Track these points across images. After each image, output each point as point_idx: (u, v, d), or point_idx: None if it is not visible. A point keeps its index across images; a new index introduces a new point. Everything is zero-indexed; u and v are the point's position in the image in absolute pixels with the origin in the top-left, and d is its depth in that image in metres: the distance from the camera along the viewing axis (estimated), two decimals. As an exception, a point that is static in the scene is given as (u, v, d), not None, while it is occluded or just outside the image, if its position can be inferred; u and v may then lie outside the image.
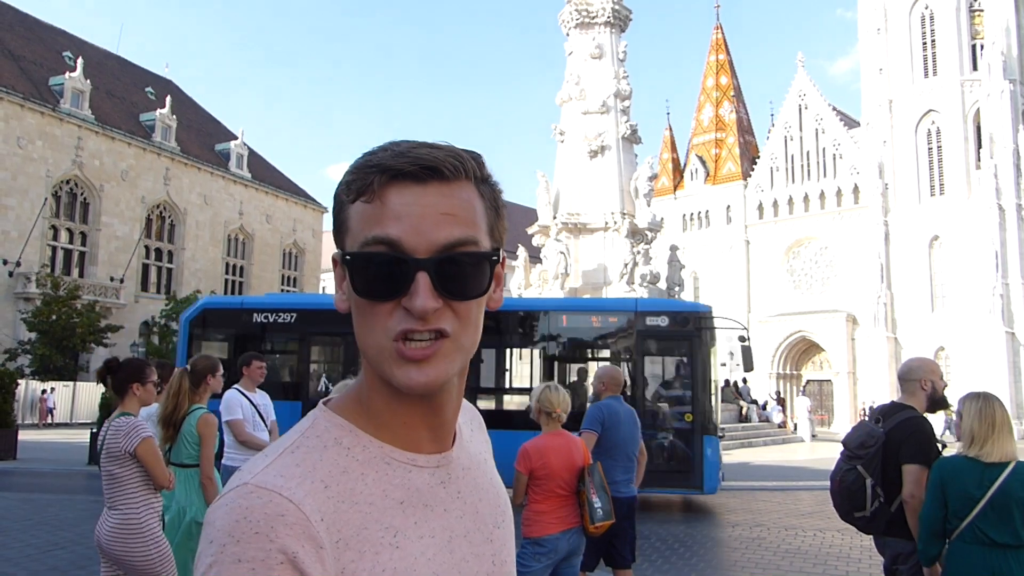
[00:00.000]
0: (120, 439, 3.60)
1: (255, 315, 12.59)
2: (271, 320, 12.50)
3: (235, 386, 6.16)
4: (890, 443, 3.58)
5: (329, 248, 58.65)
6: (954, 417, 3.43)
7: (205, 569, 0.67)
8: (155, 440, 3.73)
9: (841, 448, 3.87)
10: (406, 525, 0.77)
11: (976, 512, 3.11)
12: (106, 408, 15.35)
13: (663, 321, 11.73)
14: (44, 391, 29.65)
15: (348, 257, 0.77)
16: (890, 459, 3.58)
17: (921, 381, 3.78)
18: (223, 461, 5.86)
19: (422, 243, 0.75)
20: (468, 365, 0.83)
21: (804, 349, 50.10)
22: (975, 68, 44.70)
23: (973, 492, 3.12)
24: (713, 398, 11.87)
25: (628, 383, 11.81)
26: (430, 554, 0.78)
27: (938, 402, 3.80)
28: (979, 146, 43.93)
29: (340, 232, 0.81)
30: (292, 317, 12.46)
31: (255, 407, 6.07)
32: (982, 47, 44.59)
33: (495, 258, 0.79)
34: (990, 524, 3.10)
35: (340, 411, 0.82)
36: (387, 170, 0.76)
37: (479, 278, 0.78)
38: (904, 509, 3.53)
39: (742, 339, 13.50)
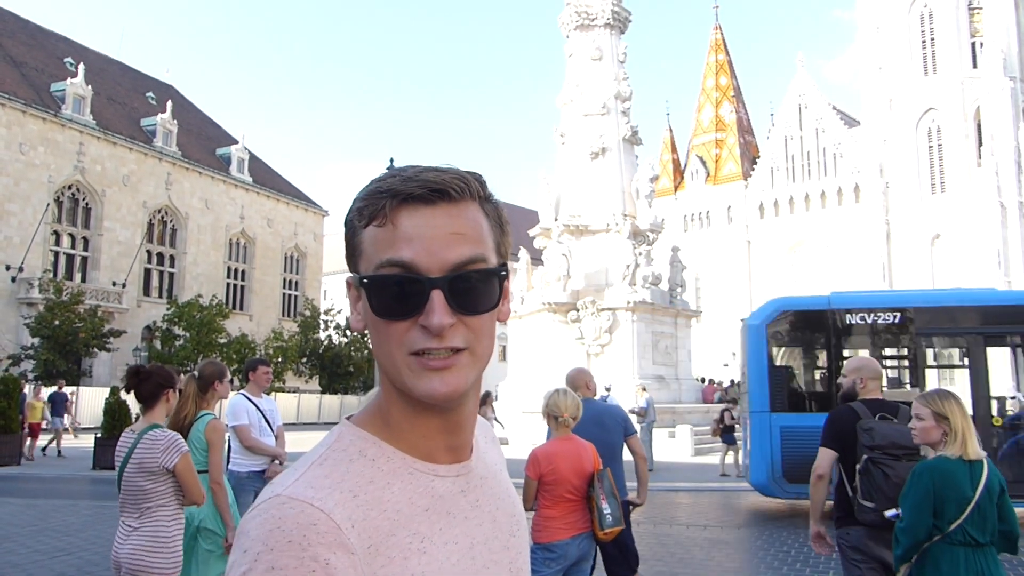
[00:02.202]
0: (158, 454, 3.51)
1: (848, 315, 10.98)
2: (871, 320, 10.94)
3: (241, 391, 6.16)
4: None
5: (330, 251, 58.96)
6: (916, 421, 3.37)
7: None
8: (191, 455, 3.67)
9: (824, 448, 3.99)
10: (432, 531, 0.80)
11: (967, 514, 3.10)
12: (112, 414, 15.34)
13: None
14: (74, 391, 29.26)
15: (365, 280, 0.81)
16: None
17: (860, 380, 4.07)
18: (229, 466, 5.87)
19: (435, 263, 0.78)
20: (481, 378, 0.86)
21: (806, 349, 50.13)
22: (975, 66, 44.73)
23: (968, 494, 3.11)
24: None
25: None
26: (454, 559, 0.81)
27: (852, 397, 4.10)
28: (980, 143, 43.94)
29: (354, 256, 0.84)
30: (898, 316, 10.89)
31: (261, 412, 6.07)
32: (982, 45, 44.64)
33: (503, 273, 0.83)
34: (975, 524, 3.11)
35: (363, 425, 0.86)
36: (397, 195, 0.80)
37: (489, 293, 0.82)
38: None
39: None
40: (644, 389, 18.15)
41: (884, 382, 11.48)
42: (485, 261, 0.81)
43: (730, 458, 15.37)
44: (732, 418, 15.55)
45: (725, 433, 15.33)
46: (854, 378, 4.13)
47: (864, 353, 11.13)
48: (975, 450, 3.19)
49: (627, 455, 4.92)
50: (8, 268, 35.23)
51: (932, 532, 3.17)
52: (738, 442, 15.17)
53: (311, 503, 0.73)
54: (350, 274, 0.86)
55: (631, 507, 5.05)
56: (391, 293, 0.79)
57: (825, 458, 4.04)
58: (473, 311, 0.80)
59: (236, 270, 48.78)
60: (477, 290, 0.80)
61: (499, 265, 0.83)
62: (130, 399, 3.94)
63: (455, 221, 0.80)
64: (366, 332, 0.84)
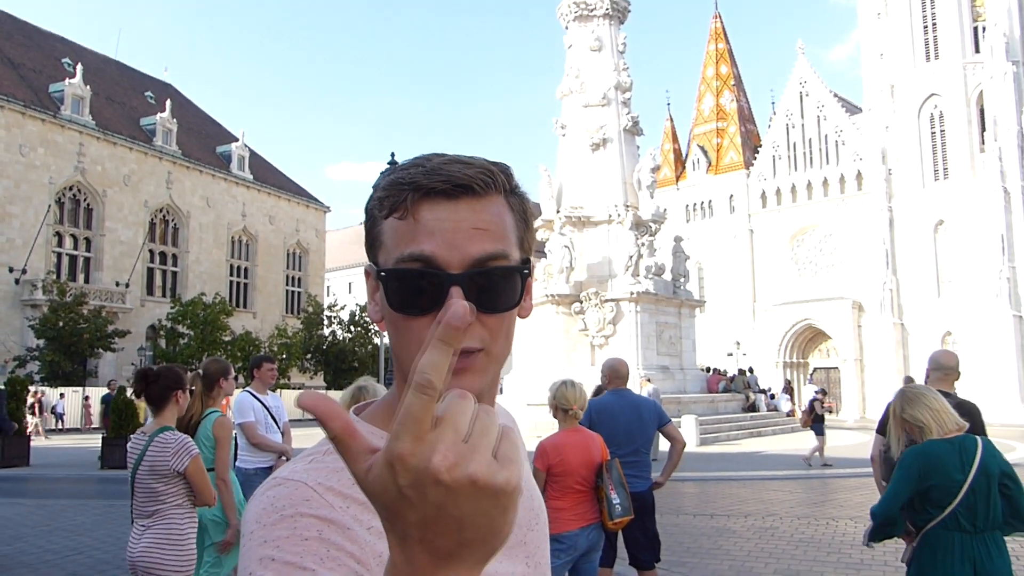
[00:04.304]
0: (168, 458, 3.52)
1: None
2: None
3: (246, 388, 6.18)
4: None
5: (333, 247, 58.87)
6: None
7: (240, 560, 0.70)
8: (201, 457, 3.68)
9: (876, 434, 4.29)
10: None
11: (960, 498, 3.08)
12: (118, 413, 15.38)
13: None
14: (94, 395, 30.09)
15: (383, 273, 0.79)
16: None
17: (946, 370, 4.21)
18: (236, 463, 5.90)
19: (455, 258, 0.76)
20: (499, 376, 0.84)
21: (810, 337, 50.02)
22: (977, 50, 44.40)
23: (956, 476, 3.10)
24: None
25: None
26: None
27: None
28: (983, 129, 43.67)
29: (373, 246, 0.82)
30: None
31: (267, 409, 6.09)
32: (984, 29, 44.29)
33: (525, 271, 0.81)
34: (972, 509, 3.09)
35: (371, 420, 0.83)
36: (419, 188, 0.78)
37: (510, 291, 0.79)
38: None
39: None
40: (648, 380, 18.13)
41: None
42: (507, 258, 0.79)
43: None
44: (823, 407, 15.62)
45: (815, 423, 15.36)
46: (927, 370, 4.48)
47: None
48: (947, 427, 3.19)
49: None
50: (11, 270, 35.28)
51: (928, 516, 3.16)
52: (826, 432, 15.33)
53: (304, 482, 0.72)
54: (368, 263, 0.84)
55: (655, 486, 5.18)
56: (409, 288, 0.77)
57: (874, 443, 4.36)
58: (492, 309, 0.77)
59: (239, 268, 48.82)
60: (497, 287, 0.78)
61: (522, 261, 0.81)
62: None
63: (478, 216, 0.78)
64: (373, 327, 0.81)
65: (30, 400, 26.57)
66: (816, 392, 17.41)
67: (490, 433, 0.49)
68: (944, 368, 4.25)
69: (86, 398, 30.37)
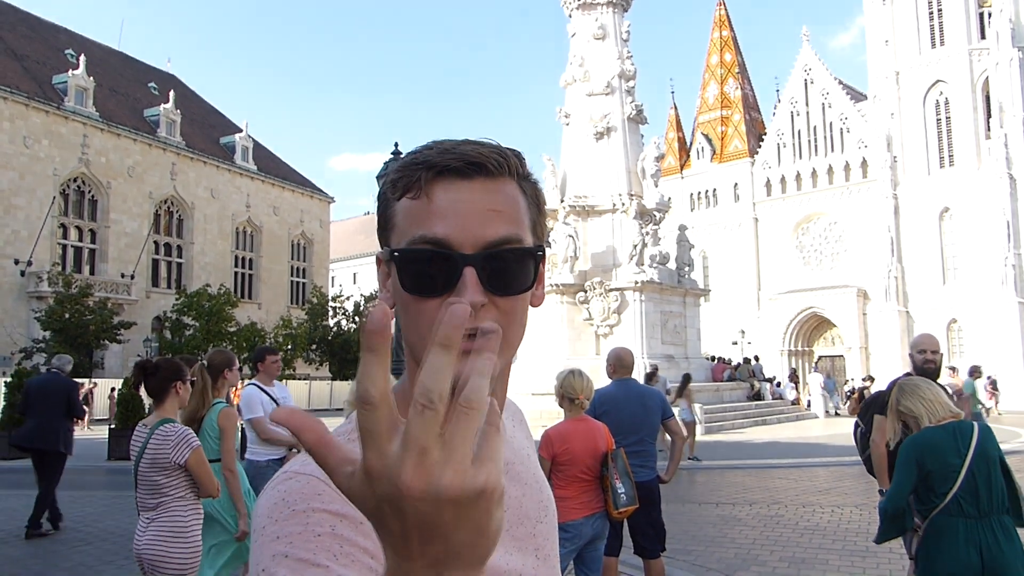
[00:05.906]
0: (169, 450, 3.50)
1: None
2: None
3: (252, 381, 6.20)
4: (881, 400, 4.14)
5: (337, 238, 58.86)
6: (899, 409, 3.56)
7: (250, 556, 0.69)
8: (202, 449, 3.66)
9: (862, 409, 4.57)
10: None
11: (960, 482, 3.07)
12: (124, 405, 15.46)
13: None
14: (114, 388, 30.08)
15: (396, 254, 0.77)
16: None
17: (911, 354, 4.41)
18: (247, 455, 5.94)
19: (468, 239, 0.75)
20: (511, 363, 0.83)
21: (815, 325, 49.95)
22: (983, 37, 44.04)
23: (952, 460, 3.10)
24: None
25: None
26: None
27: (923, 372, 4.17)
28: (988, 116, 43.39)
29: (386, 229, 0.81)
30: None
31: (275, 400, 6.11)
32: (990, 15, 43.90)
33: (540, 253, 0.80)
34: (973, 493, 3.08)
35: None
36: (433, 167, 0.77)
37: (524, 274, 0.78)
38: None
39: None
40: (656, 370, 18.08)
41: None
42: (521, 241, 0.78)
43: None
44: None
45: None
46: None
47: None
48: (940, 415, 3.25)
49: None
50: (17, 262, 35.41)
51: (932, 505, 3.16)
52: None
53: (316, 476, 0.70)
54: (379, 250, 0.83)
55: (659, 482, 5.21)
56: (422, 269, 0.75)
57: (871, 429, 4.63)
58: (506, 291, 0.76)
59: (243, 259, 48.90)
60: (511, 270, 0.77)
61: (535, 246, 0.80)
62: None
63: (492, 197, 0.77)
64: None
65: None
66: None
67: (467, 439, 0.46)
68: (913, 347, 4.52)
69: (112, 389, 30.46)
